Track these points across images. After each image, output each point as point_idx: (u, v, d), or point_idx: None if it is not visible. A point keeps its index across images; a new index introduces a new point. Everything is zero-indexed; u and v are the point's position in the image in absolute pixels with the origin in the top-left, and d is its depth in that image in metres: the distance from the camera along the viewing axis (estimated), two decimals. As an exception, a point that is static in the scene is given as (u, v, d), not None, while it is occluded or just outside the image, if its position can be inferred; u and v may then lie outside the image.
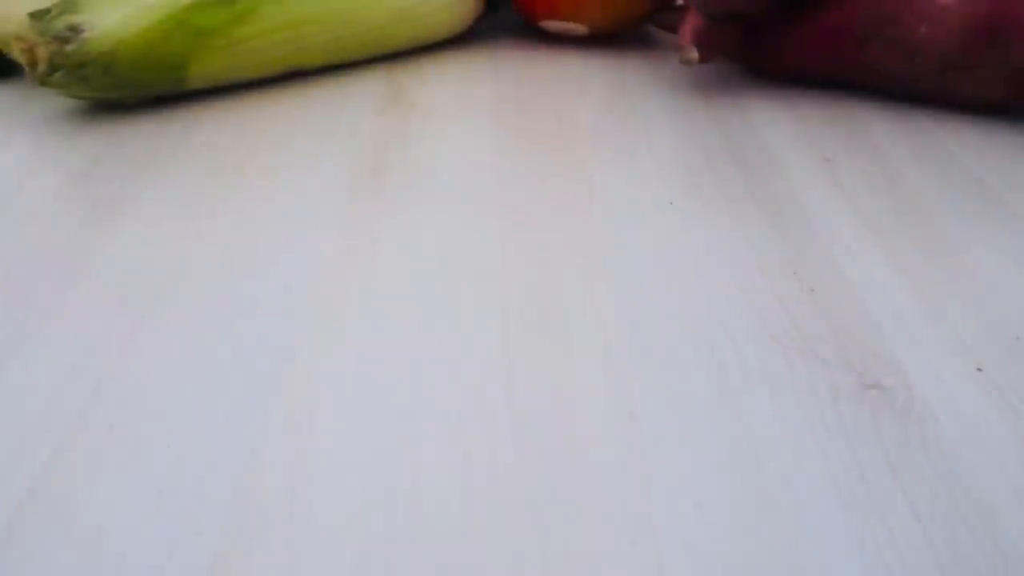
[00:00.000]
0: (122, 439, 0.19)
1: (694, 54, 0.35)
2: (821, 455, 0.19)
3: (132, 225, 0.27)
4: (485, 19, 0.44)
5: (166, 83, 0.34)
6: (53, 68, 0.31)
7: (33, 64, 0.32)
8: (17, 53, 0.32)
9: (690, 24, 0.36)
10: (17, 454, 0.19)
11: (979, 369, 0.22)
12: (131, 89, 0.34)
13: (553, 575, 0.16)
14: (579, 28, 0.42)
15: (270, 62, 0.36)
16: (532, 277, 0.25)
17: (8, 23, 0.33)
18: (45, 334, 0.22)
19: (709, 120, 0.35)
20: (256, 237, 0.26)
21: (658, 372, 0.21)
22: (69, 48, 0.31)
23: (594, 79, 0.39)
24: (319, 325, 0.23)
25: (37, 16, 0.32)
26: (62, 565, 0.16)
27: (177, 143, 0.32)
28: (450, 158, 0.32)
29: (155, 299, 0.24)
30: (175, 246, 0.26)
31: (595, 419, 0.20)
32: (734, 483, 0.18)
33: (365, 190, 0.29)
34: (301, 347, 0.22)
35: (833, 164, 0.32)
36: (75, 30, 0.31)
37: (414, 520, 0.17)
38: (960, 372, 0.22)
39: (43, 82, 0.32)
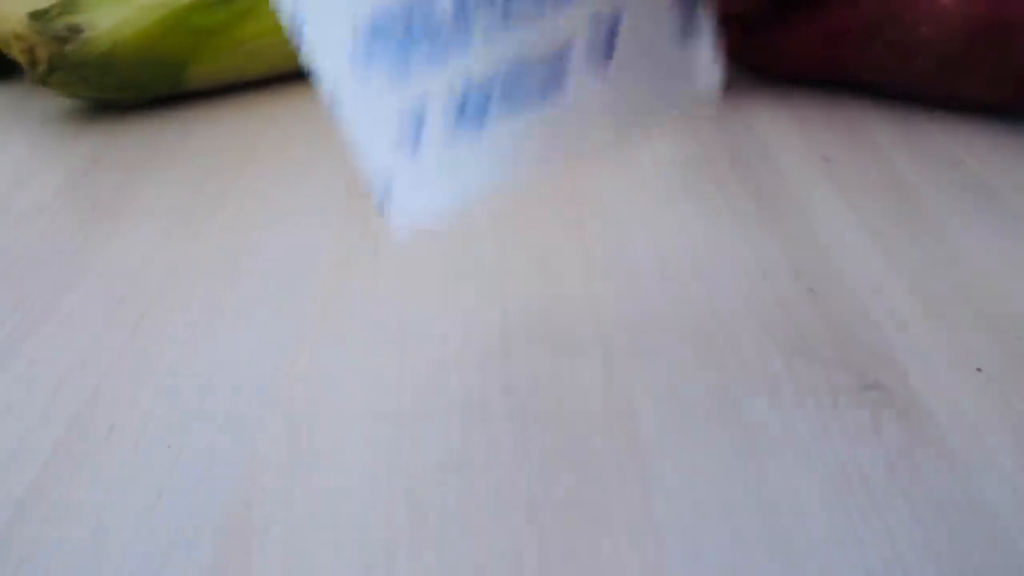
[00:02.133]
0: (122, 439, 0.19)
1: (694, 54, 0.35)
2: (821, 455, 0.19)
3: (132, 225, 0.27)
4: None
5: (166, 83, 0.34)
6: (53, 68, 0.31)
7: (33, 64, 0.32)
8: (17, 53, 0.32)
9: (690, 24, 0.36)
10: (17, 454, 0.19)
11: (979, 369, 0.22)
12: (131, 89, 0.34)
13: (553, 575, 0.16)
14: (579, 28, 0.41)
15: (270, 62, 0.36)
16: (532, 277, 0.25)
17: (8, 23, 0.33)
18: (45, 334, 0.22)
19: (709, 120, 0.35)
20: (256, 237, 0.26)
21: (658, 372, 0.21)
22: (69, 48, 0.31)
23: (594, 79, 0.39)
24: (319, 325, 0.23)
25: (37, 16, 0.32)
26: (62, 565, 0.16)
27: (177, 143, 0.32)
28: (450, 158, 0.31)
29: (155, 299, 0.24)
30: (175, 246, 0.26)
31: (595, 419, 0.20)
32: (734, 483, 0.18)
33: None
34: (301, 347, 0.22)
35: (833, 164, 0.32)
36: (75, 30, 0.31)
37: (414, 520, 0.17)
38: (960, 372, 0.22)
39: (43, 82, 0.32)
